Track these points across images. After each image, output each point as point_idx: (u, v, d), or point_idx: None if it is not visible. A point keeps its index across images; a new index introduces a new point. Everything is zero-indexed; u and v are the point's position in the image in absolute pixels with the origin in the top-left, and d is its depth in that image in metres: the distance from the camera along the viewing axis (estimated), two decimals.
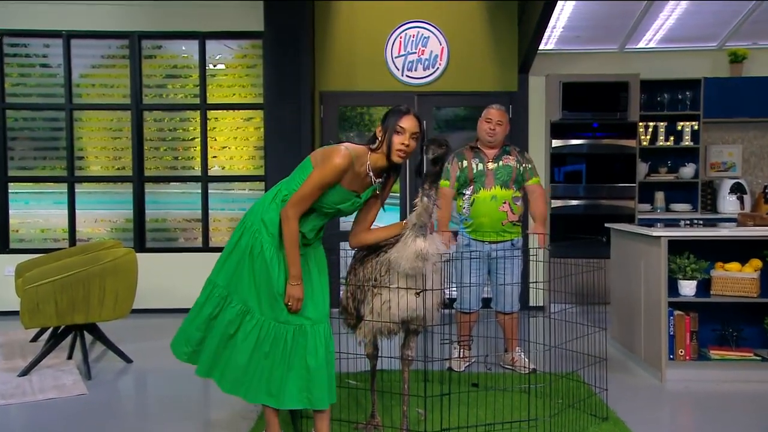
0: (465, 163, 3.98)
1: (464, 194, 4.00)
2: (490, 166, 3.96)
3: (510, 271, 3.97)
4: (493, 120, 3.98)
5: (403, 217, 6.00)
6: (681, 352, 3.88)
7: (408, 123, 2.60)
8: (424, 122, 5.84)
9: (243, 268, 2.58)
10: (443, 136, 2.88)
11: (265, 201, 2.64)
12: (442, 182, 4.00)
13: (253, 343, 2.55)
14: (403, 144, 2.59)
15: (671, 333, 3.86)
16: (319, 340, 2.56)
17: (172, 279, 5.90)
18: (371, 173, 2.63)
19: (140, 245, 6.07)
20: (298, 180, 2.59)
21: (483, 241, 3.97)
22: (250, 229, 2.60)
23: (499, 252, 3.93)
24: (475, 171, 3.96)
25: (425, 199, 2.66)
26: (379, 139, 2.63)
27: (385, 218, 6.18)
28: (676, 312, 3.89)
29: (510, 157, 4.01)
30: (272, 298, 2.56)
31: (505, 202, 3.92)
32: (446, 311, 3.07)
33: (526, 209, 4.14)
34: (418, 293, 2.74)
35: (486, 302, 4.24)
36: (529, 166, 4.04)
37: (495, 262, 3.99)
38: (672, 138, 6.14)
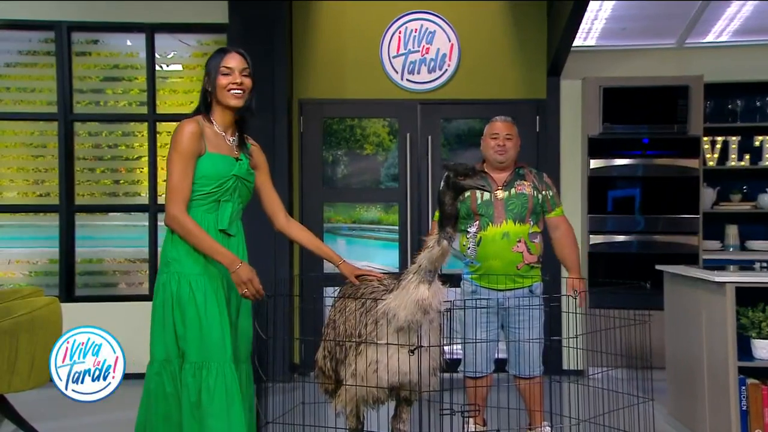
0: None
1: (468, 231, 4.02)
2: (500, 194, 3.97)
3: (529, 325, 3.97)
4: (500, 135, 4.05)
5: (403, 255, 6.09)
6: None
7: (234, 61, 2.90)
8: (429, 138, 6.09)
9: (177, 321, 2.81)
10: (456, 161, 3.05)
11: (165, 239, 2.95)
12: (436, 215, 4.15)
13: (224, 398, 2.74)
14: (233, 83, 2.88)
15: (743, 407, 3.87)
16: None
17: None
18: (221, 131, 2.94)
19: (67, 293, 6.11)
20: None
21: (493, 289, 4.00)
22: (164, 276, 2.88)
23: (514, 301, 3.95)
24: (479, 201, 3.98)
25: (444, 242, 2.80)
26: (209, 90, 2.92)
27: (384, 256, 6.32)
28: (750, 380, 3.91)
29: (525, 182, 4.03)
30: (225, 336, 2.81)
31: (519, 241, 3.92)
32: (448, 376, 3.13)
33: (546, 247, 4.16)
34: (412, 350, 2.81)
35: (500, 365, 4.25)
36: (551, 193, 4.08)
37: (509, 314, 4.03)
38: (747, 156, 6.24)
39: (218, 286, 2.83)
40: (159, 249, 6.17)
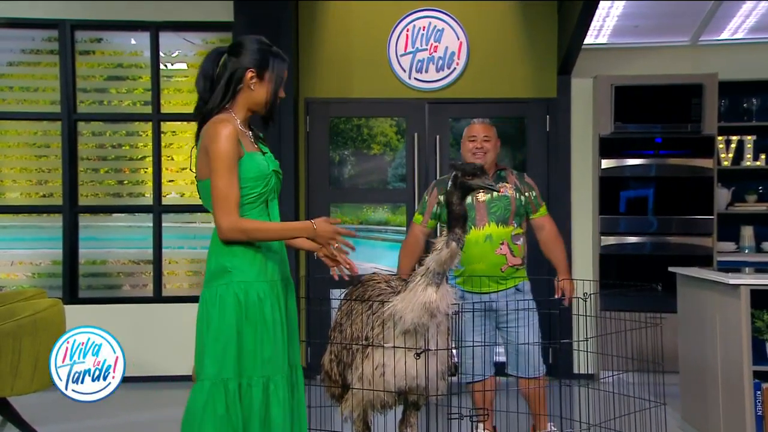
0: None
1: None
2: (481, 197, 4.01)
3: (523, 323, 3.97)
4: (478, 137, 4.08)
5: None
6: None
7: (286, 72, 2.84)
8: (437, 137, 6.09)
9: (246, 334, 2.65)
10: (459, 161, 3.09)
11: (213, 247, 2.74)
12: (415, 216, 4.20)
13: (289, 411, 2.68)
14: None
15: (759, 413, 3.87)
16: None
17: None
18: (243, 128, 2.77)
19: (71, 294, 6.15)
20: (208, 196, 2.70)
21: (477, 293, 4.03)
22: (222, 286, 2.68)
23: (507, 303, 3.96)
24: None
25: (453, 244, 2.83)
26: (251, 88, 2.74)
27: (391, 257, 6.34)
28: (765, 385, 3.91)
29: (507, 184, 4.07)
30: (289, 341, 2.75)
31: (502, 243, 3.97)
32: (456, 380, 3.16)
33: (531, 249, 4.19)
34: (418, 354, 2.83)
35: (502, 368, 4.26)
36: (533, 193, 4.12)
37: (500, 315, 4.04)
38: (763, 156, 6.23)
39: (279, 291, 2.72)
40: (163, 250, 6.23)
